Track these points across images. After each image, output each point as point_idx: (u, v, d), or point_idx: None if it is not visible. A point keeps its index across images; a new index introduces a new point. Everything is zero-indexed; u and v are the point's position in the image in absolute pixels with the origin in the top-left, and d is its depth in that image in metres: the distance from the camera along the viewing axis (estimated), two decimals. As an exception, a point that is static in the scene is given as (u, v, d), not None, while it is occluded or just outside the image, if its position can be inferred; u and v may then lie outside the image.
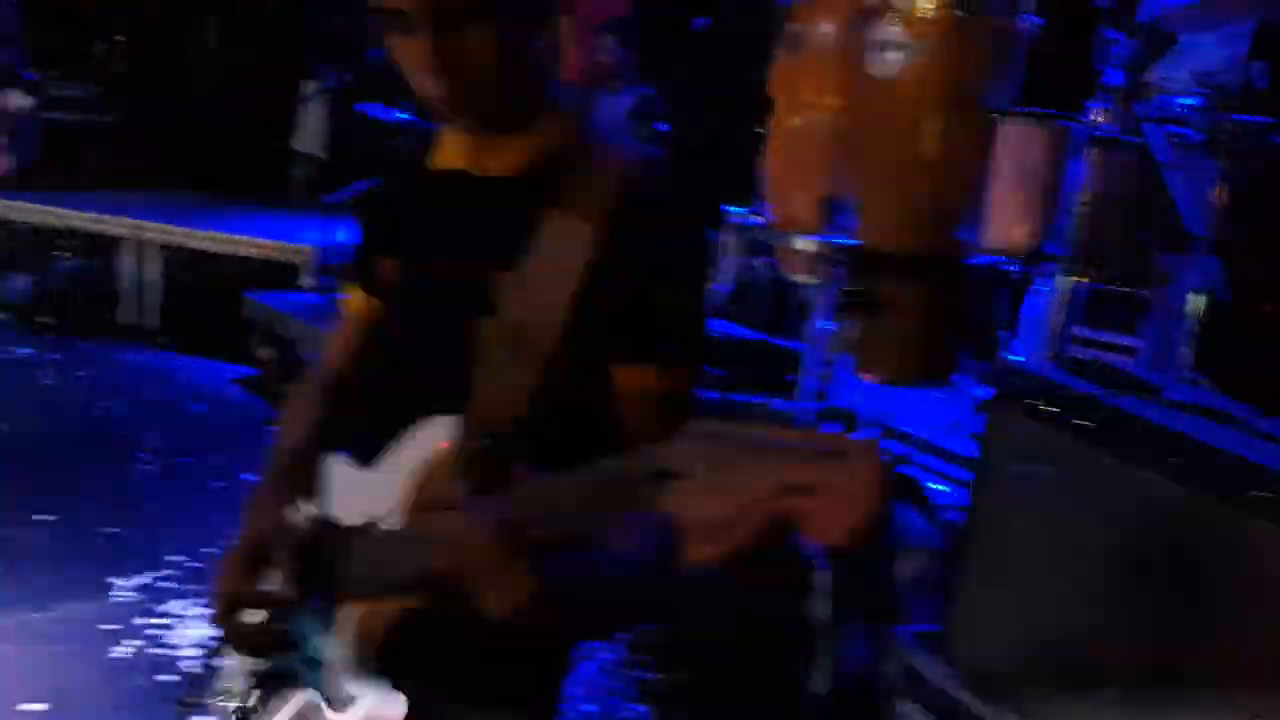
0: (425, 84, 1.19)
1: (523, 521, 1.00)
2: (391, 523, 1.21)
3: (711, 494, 0.78)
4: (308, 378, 1.53)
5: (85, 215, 6.31)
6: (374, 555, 1.20)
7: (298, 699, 1.29)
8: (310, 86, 8.88)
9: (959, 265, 3.00)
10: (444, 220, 1.31)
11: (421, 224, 1.34)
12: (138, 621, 3.15)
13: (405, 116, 5.39)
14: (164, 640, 3.07)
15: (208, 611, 3.06)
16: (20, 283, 6.64)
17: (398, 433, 1.26)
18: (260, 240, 6.11)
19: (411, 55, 1.18)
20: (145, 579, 3.39)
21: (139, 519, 3.84)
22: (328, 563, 1.24)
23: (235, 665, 1.39)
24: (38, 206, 6.50)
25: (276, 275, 6.29)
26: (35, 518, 3.75)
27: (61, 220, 6.43)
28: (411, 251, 1.35)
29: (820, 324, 3.24)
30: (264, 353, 5.59)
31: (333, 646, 1.23)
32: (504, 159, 1.27)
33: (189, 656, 2.99)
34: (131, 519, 3.83)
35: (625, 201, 1.21)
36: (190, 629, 3.13)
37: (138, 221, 6.18)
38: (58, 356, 5.68)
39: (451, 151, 1.32)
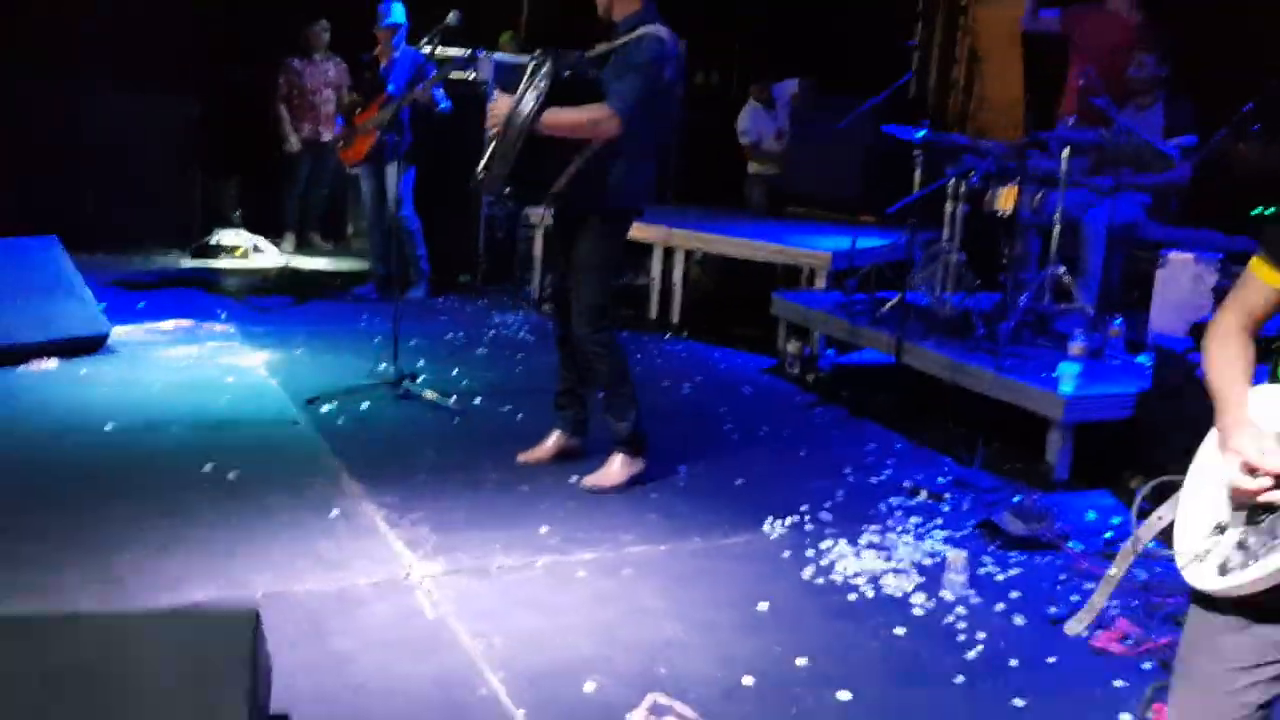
0: None
1: None
2: None
3: None
4: (1219, 327, 1.97)
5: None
6: None
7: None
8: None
9: None
10: None
11: None
12: (808, 554, 3.76)
13: (923, 135, 5.88)
14: (833, 569, 3.66)
15: (851, 549, 3.60)
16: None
17: None
18: (779, 246, 6.79)
19: None
20: (790, 520, 4.01)
21: (754, 474, 4.50)
22: None
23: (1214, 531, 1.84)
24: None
25: (790, 278, 6.99)
26: (679, 469, 4.51)
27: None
28: None
29: None
30: (792, 345, 6.24)
31: None
32: None
33: (858, 584, 3.56)
34: (749, 473, 4.50)
35: None
36: (848, 562, 3.70)
37: (669, 229, 7.03)
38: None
39: None
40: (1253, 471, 1.77)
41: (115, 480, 3.98)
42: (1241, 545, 1.78)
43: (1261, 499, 1.76)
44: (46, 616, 1.87)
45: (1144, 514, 4.16)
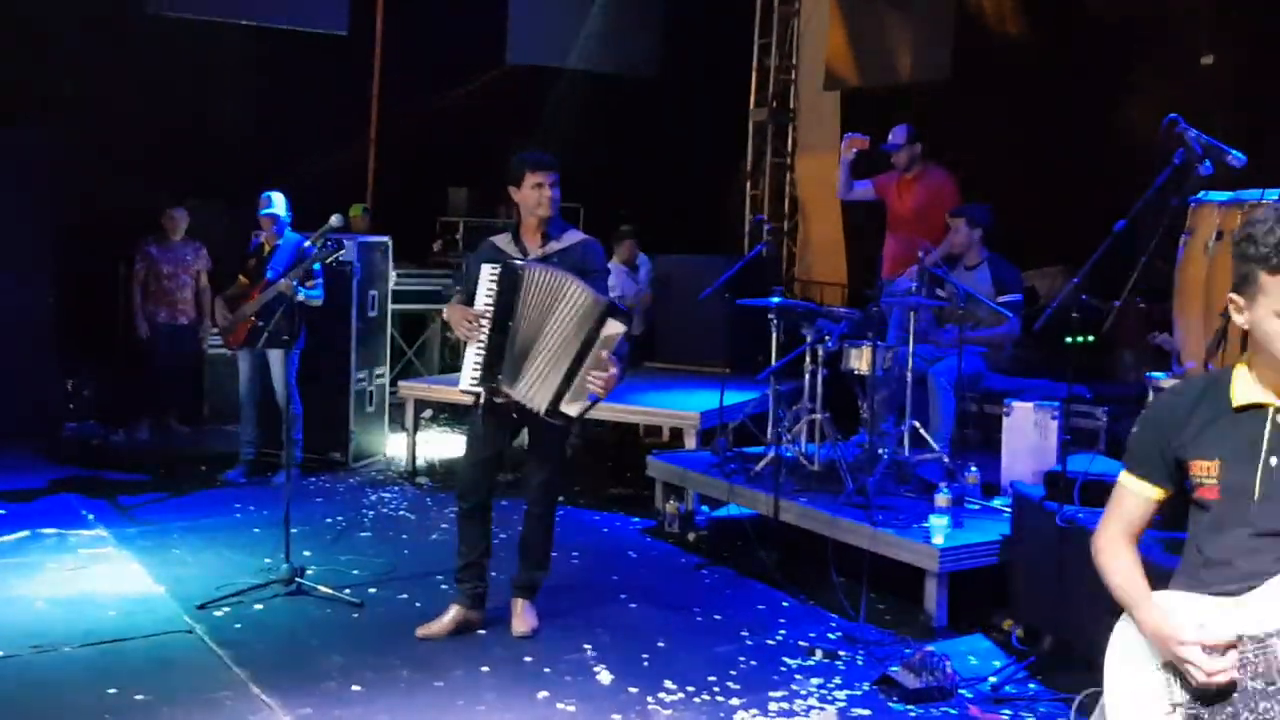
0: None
1: None
2: None
3: None
4: (1107, 542, 2.26)
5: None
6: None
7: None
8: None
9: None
10: (1259, 437, 2.07)
11: (1240, 440, 2.09)
12: (723, 724, 3.93)
13: (776, 301, 6.29)
14: (750, 739, 3.84)
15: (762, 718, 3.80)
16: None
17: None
18: (651, 409, 7.07)
19: None
20: (703, 695, 4.18)
21: (658, 646, 4.65)
22: None
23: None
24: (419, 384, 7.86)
25: (652, 432, 7.23)
26: (574, 644, 4.63)
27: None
28: (1234, 457, 2.09)
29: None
30: (670, 505, 6.47)
31: None
32: None
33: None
34: (652, 646, 4.65)
35: None
36: (762, 731, 3.89)
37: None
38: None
39: (1251, 389, 2.09)
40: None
41: (16, 715, 3.86)
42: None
43: (1221, 679, 2.00)
44: None
45: (1020, 655, 4.51)
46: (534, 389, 4.45)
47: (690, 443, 6.93)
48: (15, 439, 7.91)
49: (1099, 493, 4.46)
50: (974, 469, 5.64)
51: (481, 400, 4.60)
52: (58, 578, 5.31)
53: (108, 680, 4.12)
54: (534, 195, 4.51)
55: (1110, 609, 2.28)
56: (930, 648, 4.41)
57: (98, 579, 5.31)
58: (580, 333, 4.39)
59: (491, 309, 4.43)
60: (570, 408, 4.43)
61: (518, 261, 4.49)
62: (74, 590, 5.13)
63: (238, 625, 4.76)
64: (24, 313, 8.09)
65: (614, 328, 4.37)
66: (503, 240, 4.66)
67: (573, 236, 4.63)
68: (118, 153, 8.82)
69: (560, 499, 6.83)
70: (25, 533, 5.97)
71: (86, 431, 8.30)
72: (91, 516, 6.41)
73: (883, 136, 7.13)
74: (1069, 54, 8.25)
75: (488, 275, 4.46)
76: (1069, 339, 5.79)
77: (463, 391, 4.60)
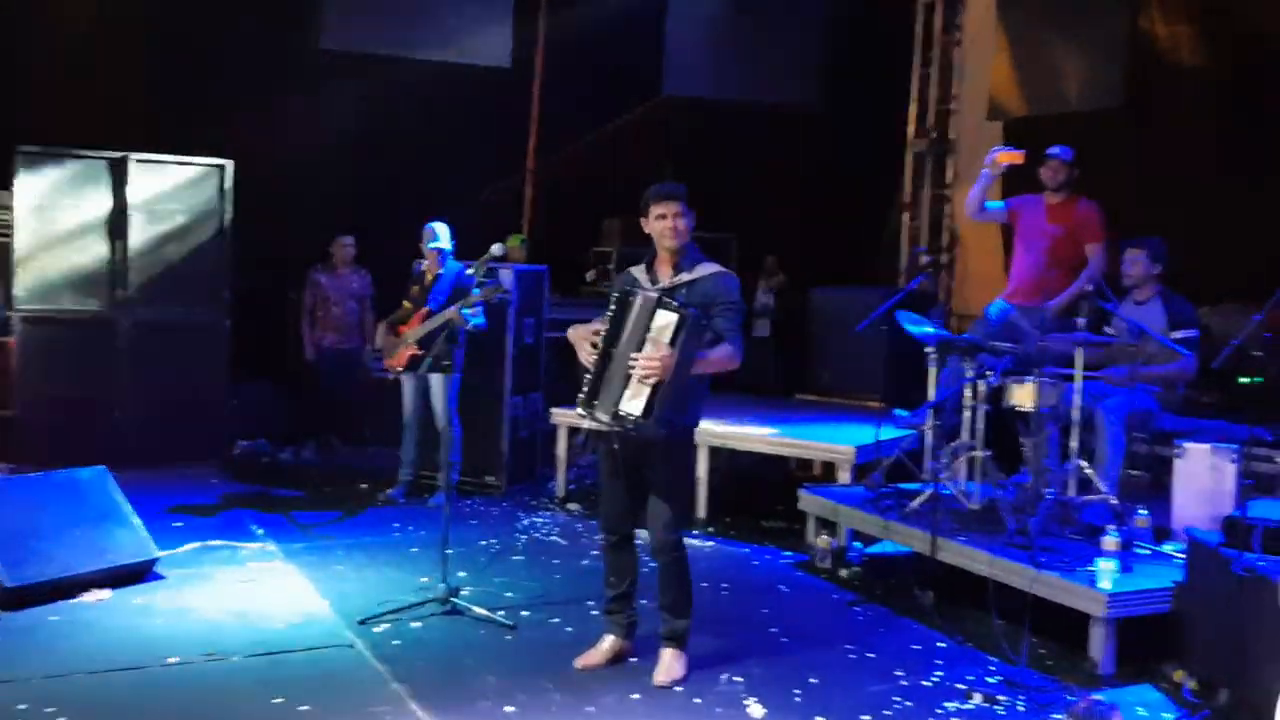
0: None
1: None
2: None
3: None
4: None
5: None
6: None
7: None
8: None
9: None
10: None
11: None
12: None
13: (934, 330, 6.17)
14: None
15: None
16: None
17: None
18: (804, 441, 6.99)
19: None
20: (853, 732, 4.11)
21: (811, 683, 4.57)
22: None
23: None
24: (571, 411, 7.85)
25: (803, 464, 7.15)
26: (724, 676, 4.59)
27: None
28: None
29: None
30: (821, 539, 6.38)
31: None
32: None
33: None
34: (805, 682, 4.57)
35: None
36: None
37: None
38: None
39: None
40: None
41: (193, 720, 4.07)
42: None
43: None
44: None
45: (1193, 708, 4.29)
46: (604, 405, 4.37)
47: (844, 477, 6.83)
48: (191, 455, 8.32)
49: (1282, 541, 4.23)
50: (1143, 512, 5.39)
51: (587, 426, 4.66)
52: (229, 589, 5.55)
53: (275, 690, 4.27)
54: (659, 226, 4.51)
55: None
56: (1097, 696, 4.23)
57: (266, 591, 5.53)
58: (637, 333, 4.31)
59: (603, 335, 4.45)
60: (631, 405, 4.25)
61: (636, 290, 4.49)
62: (244, 602, 5.35)
63: (396, 642, 4.88)
64: (203, 336, 8.51)
65: (664, 318, 4.25)
66: (638, 270, 4.68)
67: (706, 268, 4.54)
68: (287, 183, 9.24)
69: (712, 531, 6.98)
70: (199, 544, 6.26)
71: (257, 449, 8.68)
72: (260, 531, 6.69)
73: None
74: (1246, 84, 7.87)
75: (611, 302, 4.50)
76: (1242, 379, 5.53)
77: (578, 415, 4.64)
